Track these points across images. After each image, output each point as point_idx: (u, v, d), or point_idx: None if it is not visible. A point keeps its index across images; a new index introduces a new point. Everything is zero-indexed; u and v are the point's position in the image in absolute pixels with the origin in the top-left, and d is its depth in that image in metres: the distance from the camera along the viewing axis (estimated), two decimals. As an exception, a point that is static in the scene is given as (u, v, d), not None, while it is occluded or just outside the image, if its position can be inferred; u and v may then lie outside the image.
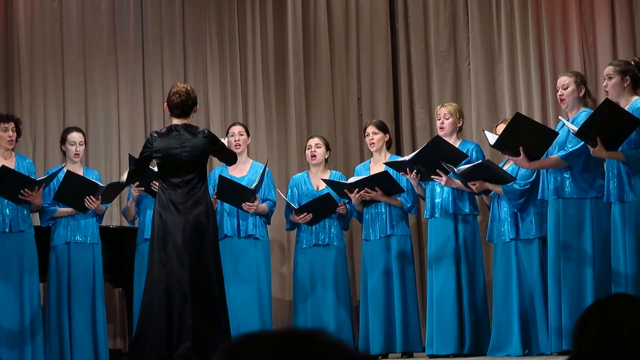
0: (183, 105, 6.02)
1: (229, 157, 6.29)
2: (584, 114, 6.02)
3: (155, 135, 6.06)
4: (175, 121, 6.06)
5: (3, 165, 6.76)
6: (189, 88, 6.12)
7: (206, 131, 6.10)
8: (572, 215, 6.06)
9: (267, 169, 7.28)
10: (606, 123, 5.68)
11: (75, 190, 6.97)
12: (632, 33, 7.69)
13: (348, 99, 8.74)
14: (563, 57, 7.86)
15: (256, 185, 7.14)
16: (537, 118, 7.73)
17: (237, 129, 7.54)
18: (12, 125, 6.99)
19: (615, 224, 5.85)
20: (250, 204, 7.20)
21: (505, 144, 6.12)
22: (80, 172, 7.23)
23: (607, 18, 7.72)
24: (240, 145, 7.46)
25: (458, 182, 6.74)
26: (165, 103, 6.17)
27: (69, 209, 7.11)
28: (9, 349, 6.73)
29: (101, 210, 7.24)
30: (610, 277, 5.90)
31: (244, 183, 7.23)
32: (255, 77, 8.68)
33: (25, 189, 6.77)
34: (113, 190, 7.21)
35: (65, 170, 7.05)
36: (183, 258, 5.85)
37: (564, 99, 6.21)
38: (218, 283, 5.93)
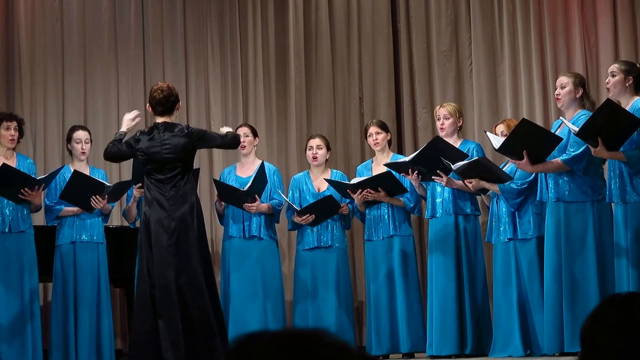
0: (166, 100, 6.04)
1: (225, 143, 6.25)
2: (583, 116, 6.02)
3: (139, 135, 6.10)
4: (158, 120, 6.08)
5: (4, 164, 6.75)
6: (170, 85, 6.17)
7: (185, 127, 6.10)
8: (574, 219, 6.06)
9: (264, 169, 7.26)
10: (607, 123, 5.67)
11: (81, 189, 6.97)
12: (634, 33, 7.68)
13: (349, 99, 8.72)
14: (565, 57, 7.85)
15: (249, 187, 7.14)
16: (538, 118, 7.72)
17: (242, 130, 7.54)
18: (14, 124, 6.98)
19: (618, 224, 5.85)
20: (250, 204, 7.21)
21: (509, 148, 6.12)
22: (87, 171, 7.23)
23: (609, 18, 7.72)
24: (245, 146, 7.48)
25: (459, 182, 6.73)
26: (148, 104, 6.18)
27: (75, 208, 7.11)
28: (9, 348, 6.73)
29: (107, 210, 7.25)
30: (613, 278, 5.90)
31: (249, 182, 7.24)
32: (256, 77, 8.67)
33: (26, 189, 6.76)
34: (119, 190, 7.20)
35: (73, 170, 7.06)
36: (168, 255, 5.87)
37: (560, 98, 6.23)
38: (206, 280, 5.93)
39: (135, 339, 5.94)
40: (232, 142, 6.30)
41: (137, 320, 5.91)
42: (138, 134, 6.11)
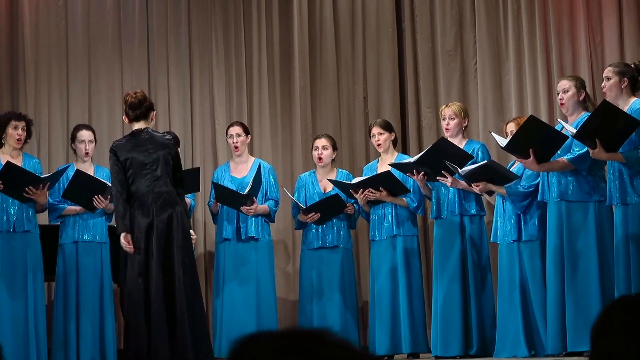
0: (140, 104, 6.02)
1: (178, 178, 6.11)
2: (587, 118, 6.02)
3: (121, 141, 6.06)
4: (137, 126, 6.05)
5: (8, 161, 6.75)
6: (144, 92, 6.19)
7: (170, 132, 6.13)
8: (576, 218, 6.07)
9: (261, 170, 7.26)
10: (604, 124, 5.68)
11: (83, 189, 6.97)
12: (639, 32, 7.66)
13: (354, 99, 8.71)
14: (570, 57, 7.84)
15: (249, 190, 7.13)
16: (543, 118, 7.70)
17: (234, 130, 7.55)
18: (23, 124, 6.97)
19: (618, 225, 5.84)
20: (248, 207, 7.20)
21: (516, 146, 6.12)
22: (91, 171, 7.22)
23: (614, 17, 7.70)
24: (238, 147, 7.48)
25: (463, 183, 6.71)
26: (124, 115, 6.16)
27: (78, 207, 7.11)
28: (14, 348, 6.73)
29: (110, 210, 7.23)
30: (613, 279, 5.89)
31: (245, 184, 7.23)
32: (260, 76, 8.66)
33: (30, 187, 6.76)
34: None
35: (75, 169, 7.05)
36: (149, 260, 5.86)
37: (564, 103, 6.24)
38: (189, 283, 5.92)
39: (131, 345, 5.97)
40: (177, 181, 6.13)
41: (131, 326, 5.93)
42: (115, 144, 6.04)
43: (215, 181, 7.45)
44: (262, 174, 7.32)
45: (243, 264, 7.33)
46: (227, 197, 7.26)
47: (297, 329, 1.43)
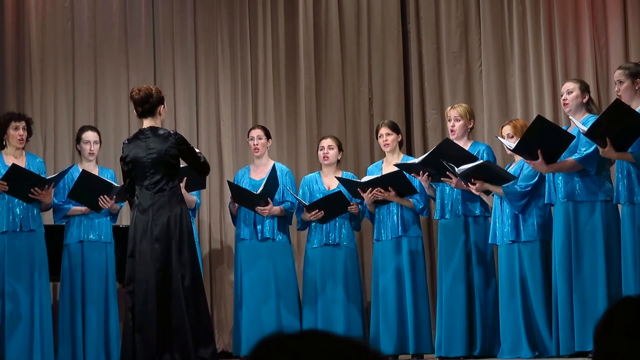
0: (143, 102, 5.96)
1: (198, 167, 6.11)
2: (592, 118, 6.04)
3: (126, 142, 6.07)
4: (144, 122, 6.03)
5: (14, 164, 6.78)
6: (152, 87, 6.10)
7: (173, 132, 6.04)
8: (583, 218, 6.08)
9: (276, 172, 7.28)
10: (615, 123, 5.69)
11: (89, 189, 6.99)
12: (644, 34, 7.68)
13: (359, 100, 8.72)
14: (575, 59, 7.84)
15: (262, 191, 7.15)
16: (548, 119, 7.71)
17: (256, 132, 7.58)
18: (23, 124, 7.00)
19: (625, 225, 5.85)
20: (262, 207, 7.23)
21: (524, 148, 6.13)
22: (96, 171, 7.24)
23: (619, 19, 7.71)
24: (258, 149, 7.50)
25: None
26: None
27: (83, 208, 7.13)
28: (20, 346, 6.75)
29: (115, 210, 7.26)
30: (620, 279, 5.91)
31: (262, 186, 7.25)
32: (265, 77, 8.67)
33: (35, 188, 6.79)
34: (128, 190, 7.24)
35: (81, 170, 7.07)
36: (151, 262, 5.84)
37: (567, 103, 6.26)
38: (190, 288, 5.87)
39: (123, 347, 5.97)
40: (201, 168, 6.17)
41: (125, 329, 5.94)
42: (125, 142, 6.08)
43: (234, 181, 7.48)
44: (280, 176, 7.34)
45: (259, 262, 7.36)
46: (241, 196, 7.31)
47: (314, 330, 1.44)
